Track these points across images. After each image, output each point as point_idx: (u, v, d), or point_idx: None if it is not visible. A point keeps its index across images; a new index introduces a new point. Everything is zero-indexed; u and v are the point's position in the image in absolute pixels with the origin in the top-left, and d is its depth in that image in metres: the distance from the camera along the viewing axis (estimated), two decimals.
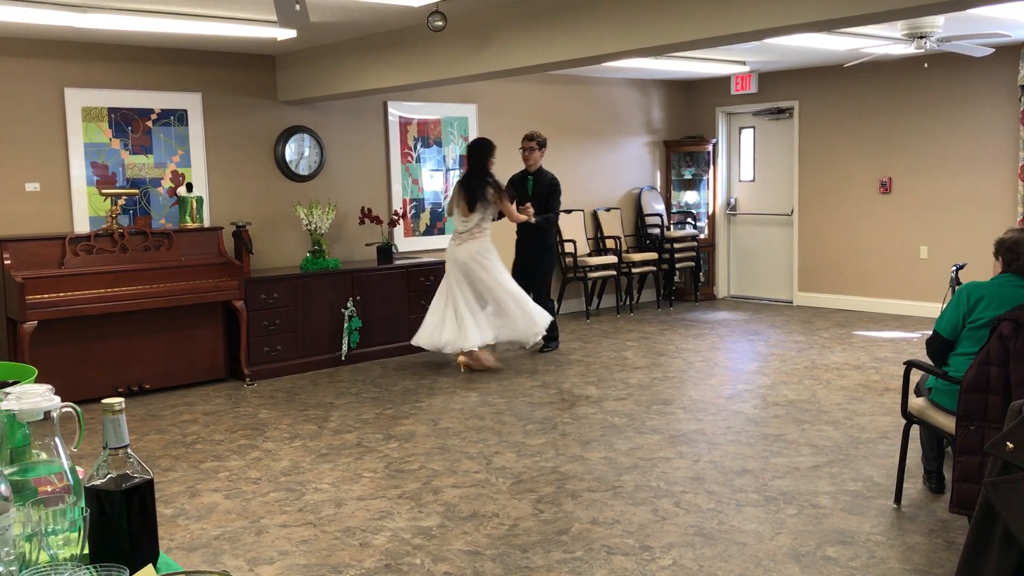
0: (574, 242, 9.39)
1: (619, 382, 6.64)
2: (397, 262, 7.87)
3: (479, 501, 4.30)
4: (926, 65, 8.69)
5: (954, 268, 6.13)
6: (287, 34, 6.13)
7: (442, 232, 8.77)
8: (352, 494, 4.45)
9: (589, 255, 9.64)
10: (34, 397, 1.51)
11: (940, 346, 3.99)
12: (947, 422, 3.84)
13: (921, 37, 6.46)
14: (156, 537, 1.45)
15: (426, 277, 7.93)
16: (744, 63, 9.07)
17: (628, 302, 10.02)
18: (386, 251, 7.84)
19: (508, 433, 5.43)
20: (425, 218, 8.67)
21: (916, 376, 4.25)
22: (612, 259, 9.54)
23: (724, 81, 10.24)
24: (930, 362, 4.07)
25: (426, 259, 8.10)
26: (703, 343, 8.04)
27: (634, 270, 9.81)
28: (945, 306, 4.04)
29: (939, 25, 6.36)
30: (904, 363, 4.15)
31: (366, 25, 6.28)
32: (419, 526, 4.01)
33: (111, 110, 6.80)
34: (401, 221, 8.37)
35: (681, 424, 5.53)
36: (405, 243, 8.47)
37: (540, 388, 6.52)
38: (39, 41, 6.48)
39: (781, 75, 9.90)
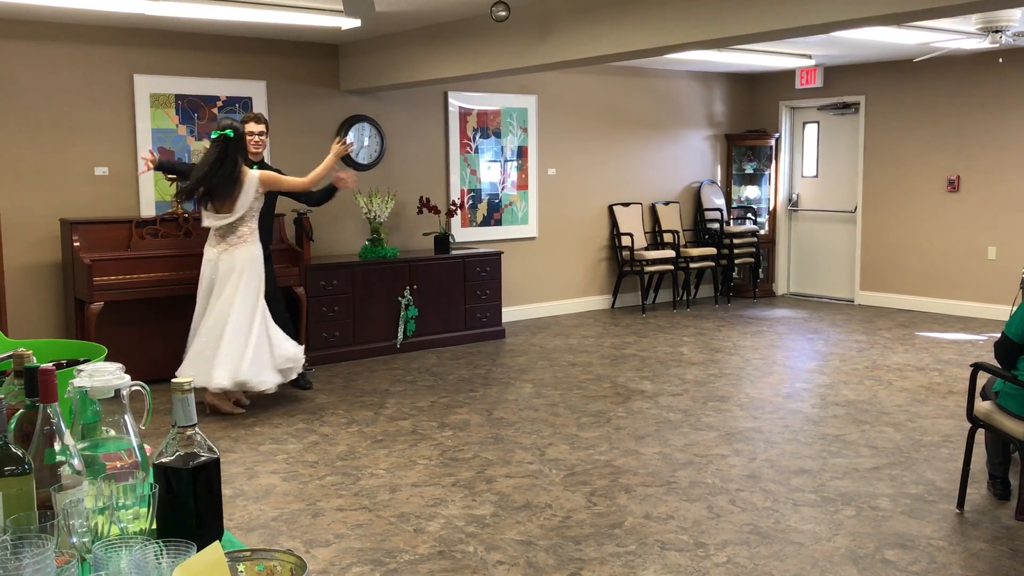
0: (631, 235, 9.33)
1: (675, 377, 6.59)
2: (454, 252, 7.89)
3: (532, 492, 4.31)
4: (1000, 60, 8.45)
5: None
6: (351, 23, 6.17)
7: (499, 223, 8.78)
8: (407, 480, 4.48)
9: (646, 249, 9.57)
10: (105, 375, 1.55)
11: (1009, 349, 3.88)
12: (1015, 427, 3.74)
13: (996, 31, 6.28)
14: (221, 515, 1.47)
15: (482, 267, 7.94)
16: (810, 56, 8.91)
17: (685, 297, 9.93)
18: (443, 241, 7.87)
19: (562, 425, 5.42)
20: (482, 209, 8.69)
21: (982, 379, 4.15)
22: (670, 253, 9.46)
23: (788, 75, 10.07)
24: (998, 365, 3.97)
25: (483, 249, 8.12)
26: (761, 340, 7.94)
27: (692, 265, 9.72)
28: (1016, 309, 3.93)
29: (1015, 19, 6.18)
30: (971, 365, 4.04)
31: (430, 15, 6.30)
32: (472, 514, 4.03)
33: (178, 97, 6.92)
34: (459, 211, 8.40)
35: (737, 421, 5.47)
36: (462, 233, 8.51)
37: (594, 381, 6.49)
38: (110, 28, 6.62)
39: (847, 69, 9.70)
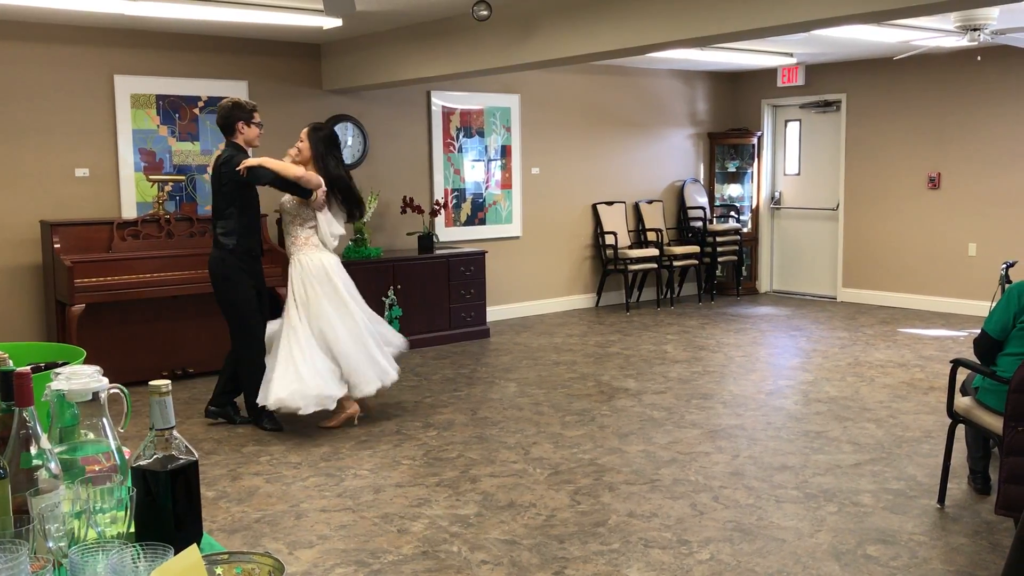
0: (615, 234, 9.35)
1: (658, 375, 6.60)
2: (438, 252, 7.89)
3: (516, 491, 4.31)
4: (979, 58, 8.51)
5: (1004, 266, 6.01)
6: (333, 23, 6.16)
7: (483, 223, 8.78)
8: (391, 481, 4.47)
9: (630, 247, 9.59)
10: (83, 378, 1.54)
11: (989, 346, 3.91)
12: (994, 422, 3.77)
13: (974, 29, 6.32)
14: (200, 518, 1.46)
15: (467, 267, 7.94)
16: (791, 55, 8.95)
17: (669, 295, 9.96)
18: (427, 240, 7.86)
19: (546, 424, 5.43)
20: (466, 208, 8.68)
21: (962, 375, 4.18)
22: (653, 252, 9.48)
23: (770, 73, 10.12)
24: (977, 361, 4.00)
25: (467, 249, 8.11)
26: (744, 338, 7.97)
27: (675, 263, 9.74)
28: (994, 305, 3.96)
29: (993, 17, 6.23)
30: (951, 361, 4.08)
31: (411, 14, 6.29)
32: (457, 514, 4.03)
33: (159, 97, 6.89)
34: (442, 211, 8.39)
35: (721, 419, 5.49)
36: (446, 233, 8.50)
37: (578, 380, 6.50)
38: (90, 28, 6.58)
39: (829, 67, 9.75)
